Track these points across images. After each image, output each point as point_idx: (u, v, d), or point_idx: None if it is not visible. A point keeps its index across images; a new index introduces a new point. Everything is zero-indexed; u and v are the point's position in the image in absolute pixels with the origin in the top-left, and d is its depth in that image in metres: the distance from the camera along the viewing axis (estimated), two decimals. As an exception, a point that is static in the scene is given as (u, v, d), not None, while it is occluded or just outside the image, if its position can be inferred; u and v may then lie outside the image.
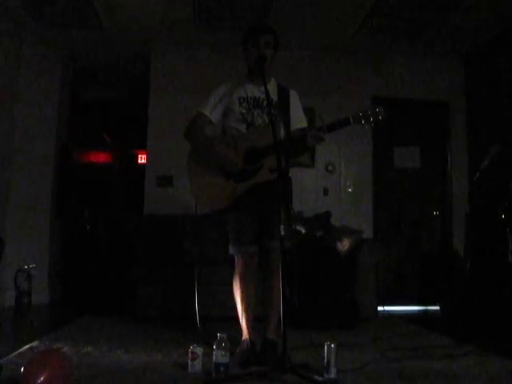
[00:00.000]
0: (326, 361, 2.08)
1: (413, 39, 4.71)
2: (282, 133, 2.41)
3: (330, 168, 4.90)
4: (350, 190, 4.89)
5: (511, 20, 4.18)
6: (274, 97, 2.49)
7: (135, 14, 4.26)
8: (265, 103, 2.45)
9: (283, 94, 2.54)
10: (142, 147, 5.16)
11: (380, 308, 4.03)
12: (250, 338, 2.44)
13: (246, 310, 2.48)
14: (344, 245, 3.72)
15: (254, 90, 2.51)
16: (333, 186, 4.89)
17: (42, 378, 1.71)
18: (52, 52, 4.80)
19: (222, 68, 4.63)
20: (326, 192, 4.87)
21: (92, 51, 5.12)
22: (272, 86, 2.52)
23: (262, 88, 2.42)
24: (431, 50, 4.93)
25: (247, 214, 2.43)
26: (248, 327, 2.47)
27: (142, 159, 7.11)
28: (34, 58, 4.66)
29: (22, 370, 1.76)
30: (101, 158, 7.45)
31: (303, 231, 3.95)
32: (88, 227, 5.87)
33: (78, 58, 5.21)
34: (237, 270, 2.50)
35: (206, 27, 4.55)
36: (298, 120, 2.55)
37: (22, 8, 4.10)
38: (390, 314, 4.18)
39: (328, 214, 4.33)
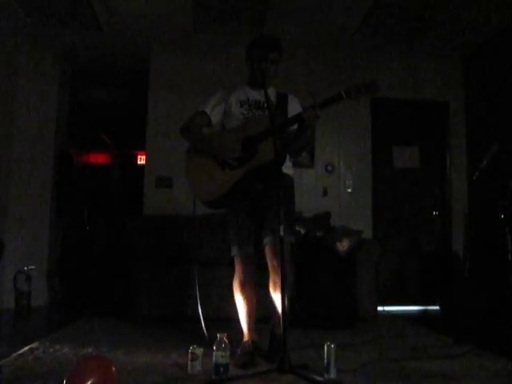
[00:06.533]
0: (325, 361, 2.09)
1: (412, 39, 4.71)
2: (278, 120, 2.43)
3: (329, 168, 4.89)
4: (349, 190, 4.88)
5: (510, 19, 4.19)
6: (274, 100, 2.53)
7: (135, 15, 4.27)
8: (265, 105, 2.47)
9: (282, 98, 2.59)
10: (142, 148, 5.16)
11: (380, 308, 4.03)
12: (252, 340, 2.44)
13: (248, 311, 2.48)
14: (344, 245, 3.72)
15: (254, 94, 2.56)
16: (332, 187, 4.89)
17: None
18: (50, 53, 4.78)
19: (221, 70, 4.64)
20: (325, 192, 4.86)
21: (91, 52, 5.12)
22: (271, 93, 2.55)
23: (263, 92, 2.44)
24: (430, 49, 4.93)
25: (244, 215, 2.45)
26: (250, 329, 2.47)
27: (141, 160, 7.13)
28: (32, 59, 4.66)
29: (67, 377, 1.70)
30: (100, 158, 7.47)
31: (303, 231, 3.95)
32: (87, 228, 5.87)
33: (76, 59, 5.20)
34: (237, 272, 2.51)
35: (205, 29, 4.56)
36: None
37: (20, 8, 4.10)
38: (390, 314, 4.19)
39: (327, 215, 4.33)
